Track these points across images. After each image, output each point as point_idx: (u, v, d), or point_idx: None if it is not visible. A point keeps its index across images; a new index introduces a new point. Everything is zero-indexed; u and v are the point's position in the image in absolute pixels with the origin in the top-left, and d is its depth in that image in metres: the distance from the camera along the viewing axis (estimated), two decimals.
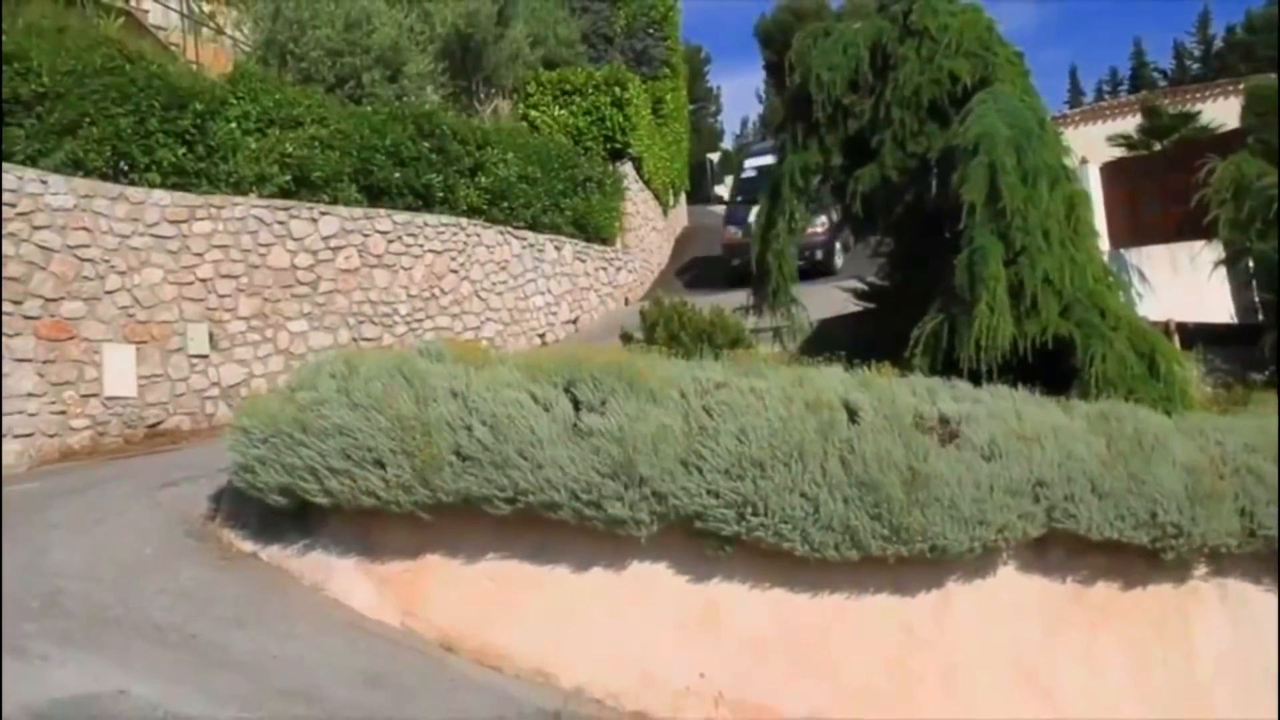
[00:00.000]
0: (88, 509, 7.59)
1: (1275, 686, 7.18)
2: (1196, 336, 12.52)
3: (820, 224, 19.17)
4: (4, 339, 10.25)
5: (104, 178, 11.56)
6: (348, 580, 6.29)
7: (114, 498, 7.89)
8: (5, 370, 10.20)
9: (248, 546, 6.57)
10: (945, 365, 8.25)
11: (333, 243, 13.57)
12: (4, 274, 10.38)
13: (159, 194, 12.00)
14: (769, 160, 19.68)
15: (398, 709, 5.30)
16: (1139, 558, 7.00)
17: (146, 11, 17.51)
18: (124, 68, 12.00)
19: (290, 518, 6.42)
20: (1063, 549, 6.93)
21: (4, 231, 10.41)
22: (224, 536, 6.70)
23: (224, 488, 6.96)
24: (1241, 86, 20.65)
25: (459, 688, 5.74)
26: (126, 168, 11.85)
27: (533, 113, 20.31)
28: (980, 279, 8.35)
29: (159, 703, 4.81)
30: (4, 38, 11.03)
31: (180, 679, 5.11)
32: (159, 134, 12.17)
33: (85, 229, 11.20)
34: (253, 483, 6.28)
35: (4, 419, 10.08)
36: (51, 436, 10.54)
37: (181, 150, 12.41)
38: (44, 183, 10.92)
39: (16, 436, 10.17)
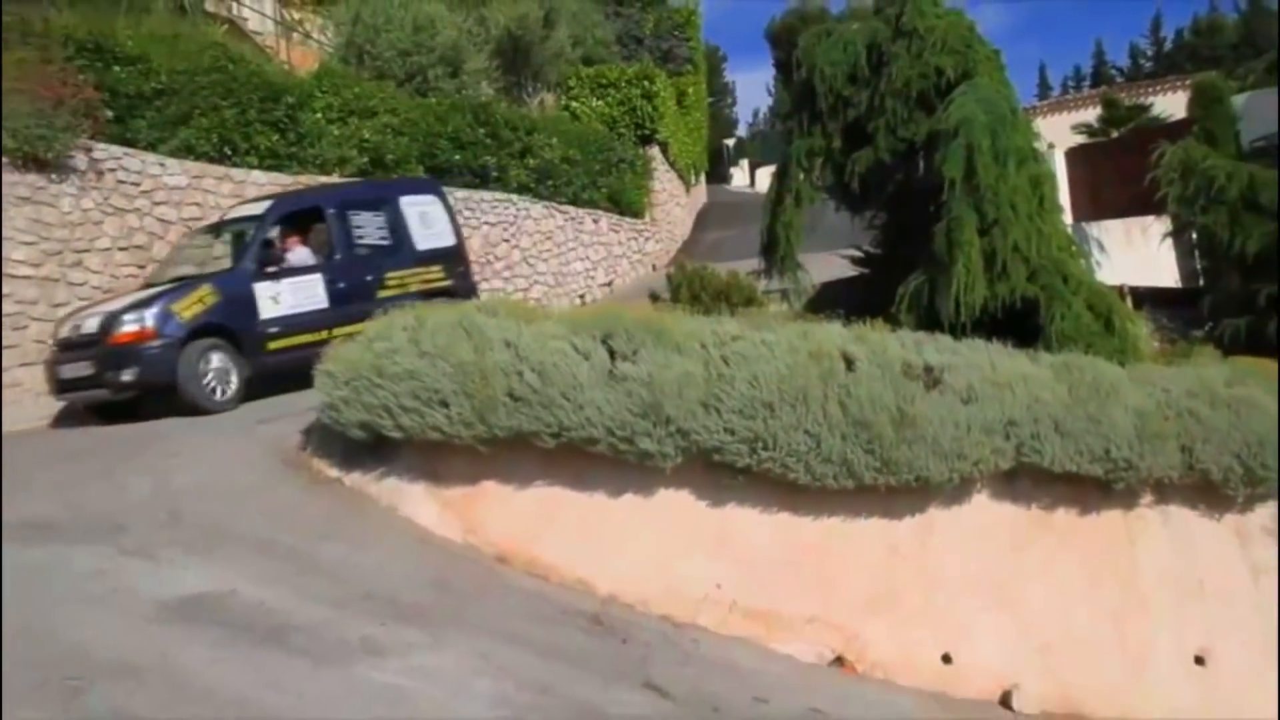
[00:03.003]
0: (201, 441, 7.66)
1: (1203, 598, 7.14)
2: (1146, 298, 12.38)
3: (145, 319, 8.74)
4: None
5: (211, 161, 11.58)
6: (417, 502, 6.30)
7: (222, 432, 7.95)
8: None
9: (333, 473, 6.59)
10: (928, 321, 8.15)
11: None
12: (131, 243, 10.42)
13: (257, 174, 12.02)
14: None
15: (461, 609, 5.33)
16: (1094, 488, 6.92)
17: (246, 19, 17.47)
18: (228, 67, 12.00)
19: (368, 449, 6.42)
20: (1029, 480, 6.84)
21: (113, 206, 10.38)
22: (313, 465, 6.72)
23: (313, 424, 6.97)
24: (1188, 82, 20.14)
25: (512, 593, 5.76)
26: (230, 152, 11.87)
27: (574, 104, 20.12)
28: (957, 244, 8.26)
29: (262, 601, 4.86)
30: (129, 43, 11.00)
31: (279, 582, 5.15)
32: (257, 123, 12.18)
33: (196, 204, 11.23)
34: (337, 419, 6.27)
35: None
36: None
37: (275, 137, 12.41)
38: (162, 165, 10.95)
39: None
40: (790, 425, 6.11)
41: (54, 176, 9.74)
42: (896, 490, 6.40)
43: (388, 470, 6.41)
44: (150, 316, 8.79)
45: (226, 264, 9.88)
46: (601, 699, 4.63)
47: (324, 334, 9.26)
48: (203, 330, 8.96)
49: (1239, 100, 14.52)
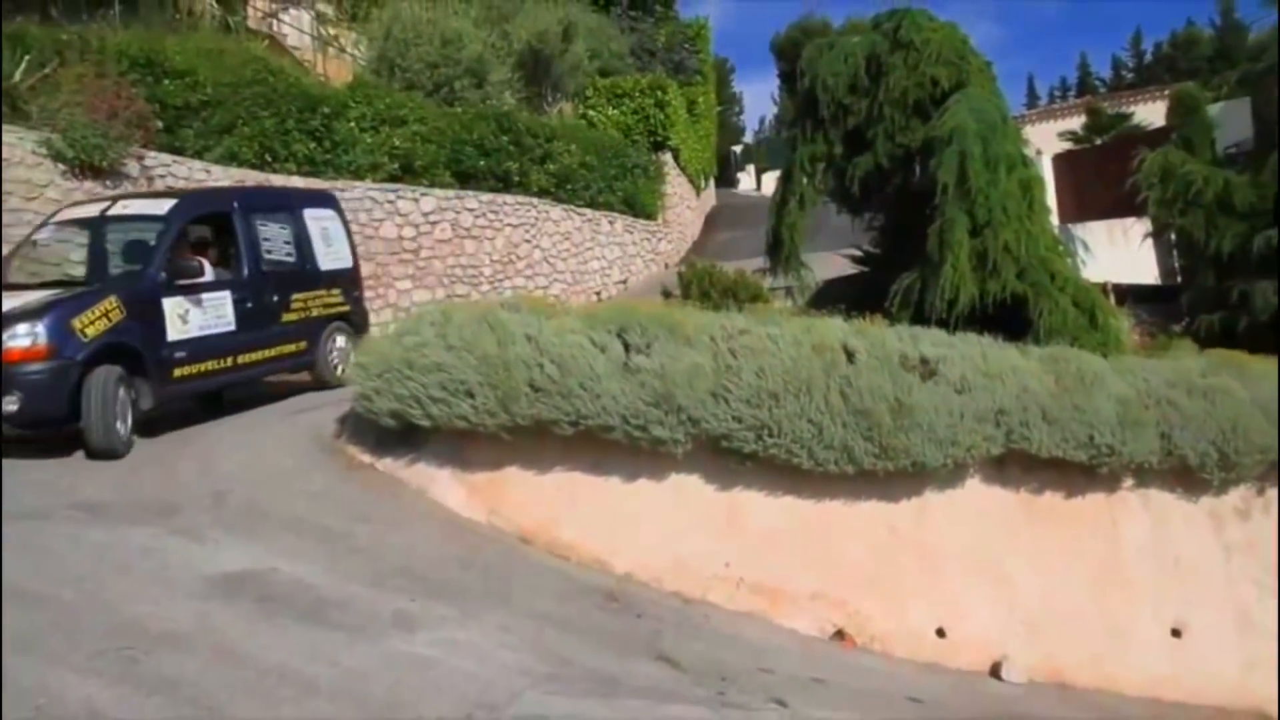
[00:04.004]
0: (244, 430, 7.67)
1: (1180, 575, 7.11)
2: (1128, 295, 12.33)
3: (39, 334, 6.35)
4: None
5: (253, 167, 11.58)
6: (445, 486, 6.31)
7: (263, 422, 7.96)
8: None
9: (366, 459, 6.60)
10: (920, 318, 8.12)
11: (431, 218, 13.52)
12: None
13: (295, 180, 12.00)
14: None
15: (486, 586, 5.34)
16: (1079, 472, 6.89)
17: (285, 35, 17.46)
18: (268, 80, 11.98)
19: (399, 436, 6.43)
20: (1018, 465, 6.82)
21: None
22: (348, 451, 6.73)
23: (347, 413, 6.98)
24: (1167, 92, 19.98)
25: (534, 571, 5.77)
26: (270, 159, 11.87)
27: (591, 112, 20.07)
28: (948, 244, 8.23)
29: (301, 577, 4.87)
30: (178, 58, 11.00)
31: (316, 560, 5.16)
32: (295, 132, 12.17)
33: None
34: (369, 409, 6.28)
35: None
36: None
37: (312, 145, 12.40)
38: (208, 171, 10.96)
39: None
40: (794, 414, 6.09)
41: (108, 183, 9.77)
42: (894, 475, 6.38)
43: (417, 456, 6.42)
44: (45, 331, 6.37)
45: (82, 269, 7.58)
46: (617, 670, 4.63)
47: (229, 361, 7.80)
48: (106, 353, 6.64)
49: (1215, 109, 14.40)
